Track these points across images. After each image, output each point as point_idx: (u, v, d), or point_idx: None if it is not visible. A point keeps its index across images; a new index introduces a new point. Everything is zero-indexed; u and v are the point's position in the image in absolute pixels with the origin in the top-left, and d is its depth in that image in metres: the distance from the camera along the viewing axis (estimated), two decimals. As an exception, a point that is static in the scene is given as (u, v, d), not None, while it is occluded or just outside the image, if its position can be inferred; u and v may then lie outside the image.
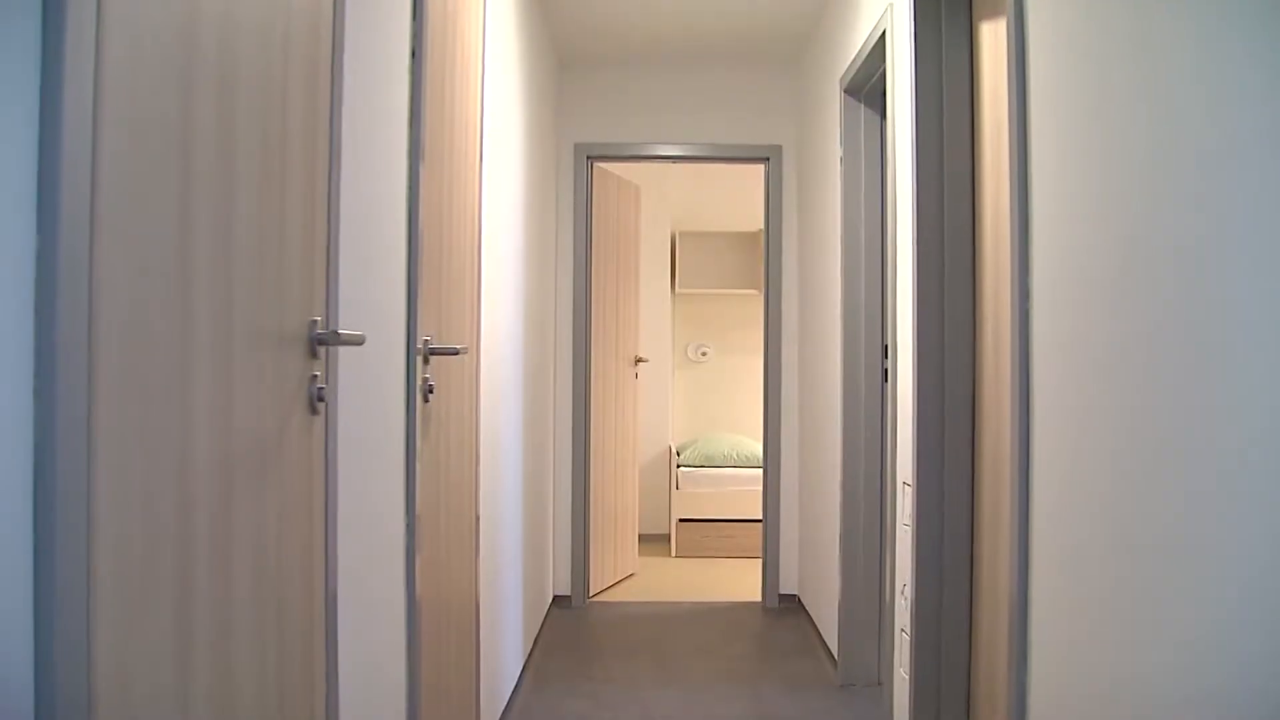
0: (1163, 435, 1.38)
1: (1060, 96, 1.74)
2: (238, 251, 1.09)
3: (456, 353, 2.07)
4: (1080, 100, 1.65)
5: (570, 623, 4.33)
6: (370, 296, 1.66)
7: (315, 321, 1.36)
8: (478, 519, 2.57)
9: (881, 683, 3.44)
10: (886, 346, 3.12)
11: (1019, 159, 1.90)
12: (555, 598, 4.63)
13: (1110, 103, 1.55)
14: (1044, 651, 1.81)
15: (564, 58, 4.61)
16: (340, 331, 1.33)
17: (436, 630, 2.13)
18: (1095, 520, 1.59)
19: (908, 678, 2.67)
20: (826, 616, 3.92)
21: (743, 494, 5.72)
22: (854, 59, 3.33)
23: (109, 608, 0.84)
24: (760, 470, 5.70)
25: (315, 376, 1.35)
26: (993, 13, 2.42)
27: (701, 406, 6.64)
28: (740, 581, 5.10)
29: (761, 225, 6.52)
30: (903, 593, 2.76)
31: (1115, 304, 1.52)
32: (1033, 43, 1.86)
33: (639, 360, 5.28)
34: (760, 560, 4.87)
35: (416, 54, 1.91)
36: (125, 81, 0.86)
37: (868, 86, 3.39)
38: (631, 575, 5.23)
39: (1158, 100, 1.40)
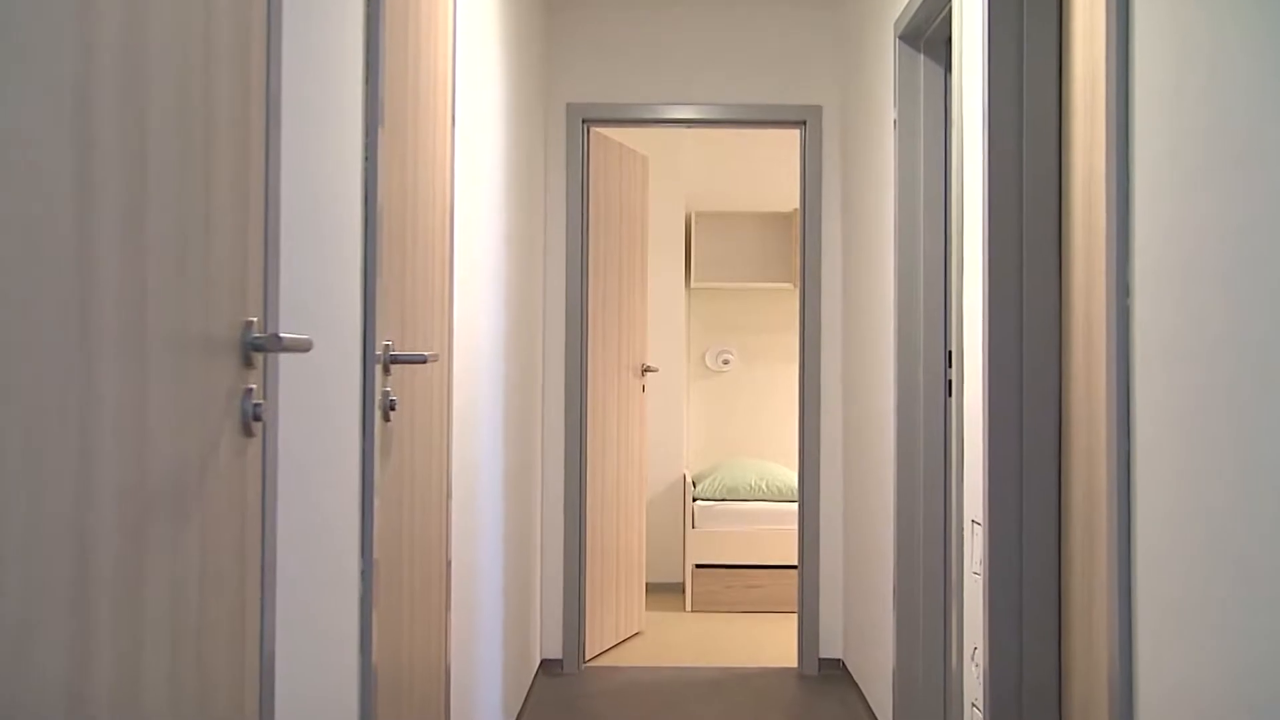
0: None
1: (1175, 34, 1.72)
2: (152, 238, 1.08)
3: (424, 360, 2.06)
4: (1200, 38, 1.64)
5: (561, 693, 4.31)
6: (319, 293, 1.65)
7: (250, 323, 1.35)
8: (449, 565, 2.57)
9: (946, 768, 3.41)
10: (950, 353, 3.10)
11: (1118, 116, 1.88)
12: (543, 662, 4.62)
13: (1240, 42, 1.53)
14: (1151, 731, 1.78)
15: None
16: (281, 335, 1.32)
17: (396, 703, 2.11)
18: (1215, 568, 1.57)
19: (980, 762, 2.65)
20: (878, 687, 3.89)
21: (773, 534, 5.71)
22: None
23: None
24: (795, 505, 5.69)
25: (250, 390, 1.35)
26: (1083, -58, 2.41)
27: (723, 426, 6.63)
28: (771, 642, 5.09)
29: (796, 204, 6.55)
30: (973, 658, 2.74)
31: (1237, 301, 1.50)
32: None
33: (647, 370, 5.28)
34: (795, 616, 4.85)
35: (374, -7, 1.90)
36: None
37: (929, 32, 3.39)
38: (637, 634, 5.22)
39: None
